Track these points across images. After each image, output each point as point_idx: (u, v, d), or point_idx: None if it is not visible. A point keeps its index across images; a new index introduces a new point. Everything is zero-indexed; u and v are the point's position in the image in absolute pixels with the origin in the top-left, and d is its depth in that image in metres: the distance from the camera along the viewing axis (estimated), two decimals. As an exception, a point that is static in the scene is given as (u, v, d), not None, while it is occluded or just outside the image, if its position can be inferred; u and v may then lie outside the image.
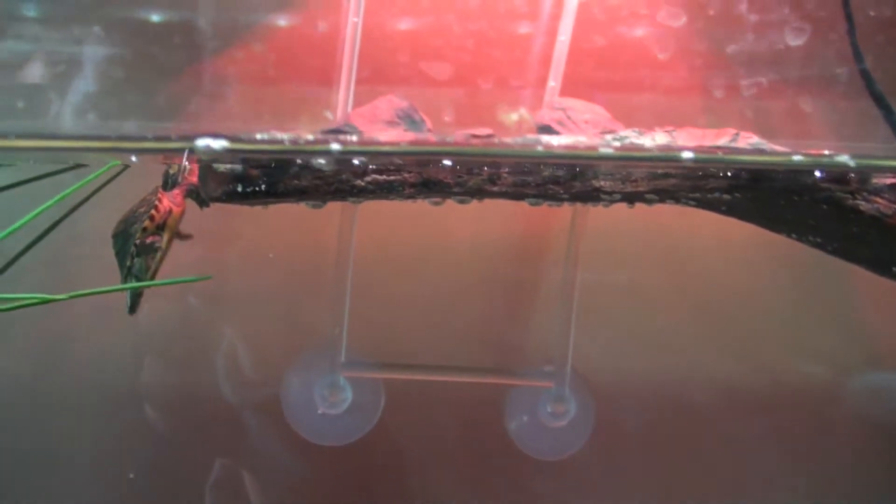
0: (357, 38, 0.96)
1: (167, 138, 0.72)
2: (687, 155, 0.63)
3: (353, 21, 0.97)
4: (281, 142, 0.71)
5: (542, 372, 0.95)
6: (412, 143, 0.75)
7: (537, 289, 1.12)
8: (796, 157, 0.57)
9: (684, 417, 1.12)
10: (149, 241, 0.84)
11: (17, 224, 0.78)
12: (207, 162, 0.78)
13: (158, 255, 0.85)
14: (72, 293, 0.80)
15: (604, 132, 0.92)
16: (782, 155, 0.63)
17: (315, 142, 0.71)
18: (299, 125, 1.13)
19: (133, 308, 0.85)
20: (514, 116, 1.15)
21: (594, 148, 0.66)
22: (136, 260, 0.84)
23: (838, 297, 1.17)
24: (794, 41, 1.08)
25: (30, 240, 0.87)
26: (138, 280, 0.85)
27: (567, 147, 0.70)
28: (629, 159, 0.69)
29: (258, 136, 0.74)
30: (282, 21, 1.11)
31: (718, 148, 0.71)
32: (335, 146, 0.70)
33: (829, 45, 1.08)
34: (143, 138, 0.76)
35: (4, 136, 0.67)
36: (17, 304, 0.80)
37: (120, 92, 1.09)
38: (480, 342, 1.06)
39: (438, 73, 1.03)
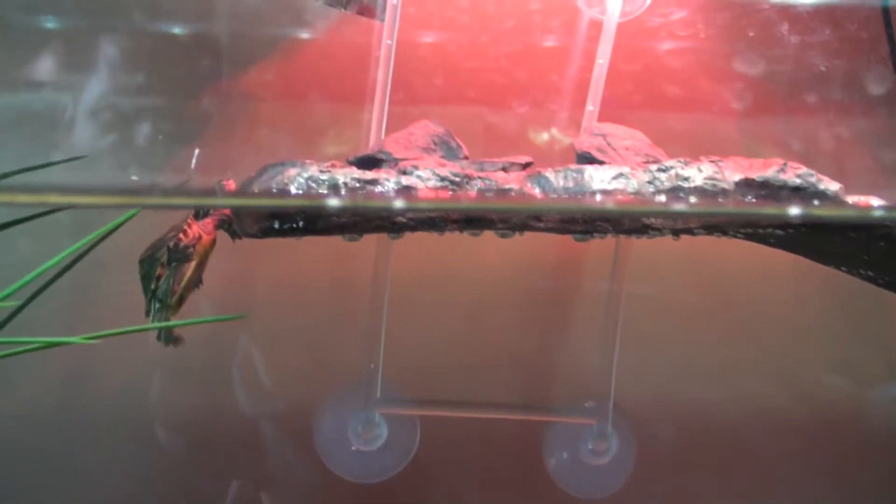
0: (391, 62, 0.94)
1: (251, 194, 0.67)
2: (794, 211, 0.59)
3: (387, 44, 0.94)
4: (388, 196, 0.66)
5: (583, 408, 0.92)
6: (459, 176, 0.72)
7: (577, 319, 1.09)
8: (878, 213, 0.54)
9: (726, 447, 1.10)
10: (182, 244, 0.81)
11: (34, 273, 0.76)
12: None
13: (186, 280, 0.83)
14: (89, 335, 0.77)
15: (647, 161, 0.89)
16: (867, 210, 0.59)
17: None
18: (327, 145, 1.10)
19: (164, 338, 0.82)
20: (545, 136, 1.12)
21: (666, 204, 0.62)
22: (161, 283, 0.82)
23: (877, 318, 1.14)
24: (835, 62, 1.06)
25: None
26: (162, 304, 0.82)
27: (634, 201, 0.66)
28: (720, 214, 0.65)
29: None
30: (307, 36, 1.09)
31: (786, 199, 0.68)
32: (400, 204, 0.66)
33: (870, 67, 1.06)
34: (199, 194, 0.72)
35: (43, 190, 0.63)
36: (30, 347, 0.78)
37: (144, 109, 1.07)
38: (520, 374, 1.04)
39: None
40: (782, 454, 1.13)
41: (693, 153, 0.87)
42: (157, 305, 0.82)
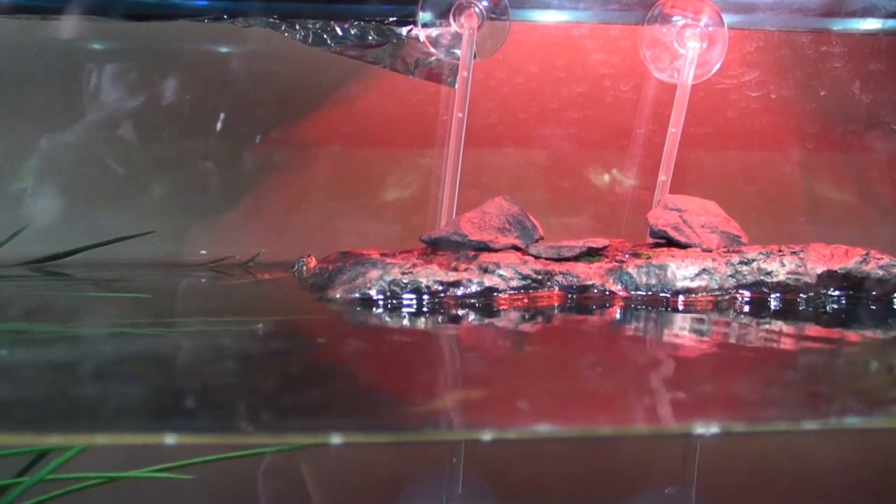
0: (462, 135, 0.92)
1: None
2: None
3: (459, 116, 0.93)
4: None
5: (664, 494, 0.92)
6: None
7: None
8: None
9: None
10: None
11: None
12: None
13: None
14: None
15: (723, 241, 0.88)
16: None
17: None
18: (388, 190, 1.10)
19: None
20: (606, 178, 1.12)
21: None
22: None
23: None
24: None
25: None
26: None
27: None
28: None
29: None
30: (373, 86, 1.08)
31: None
32: None
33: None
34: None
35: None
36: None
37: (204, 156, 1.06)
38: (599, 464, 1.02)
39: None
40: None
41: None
42: None
